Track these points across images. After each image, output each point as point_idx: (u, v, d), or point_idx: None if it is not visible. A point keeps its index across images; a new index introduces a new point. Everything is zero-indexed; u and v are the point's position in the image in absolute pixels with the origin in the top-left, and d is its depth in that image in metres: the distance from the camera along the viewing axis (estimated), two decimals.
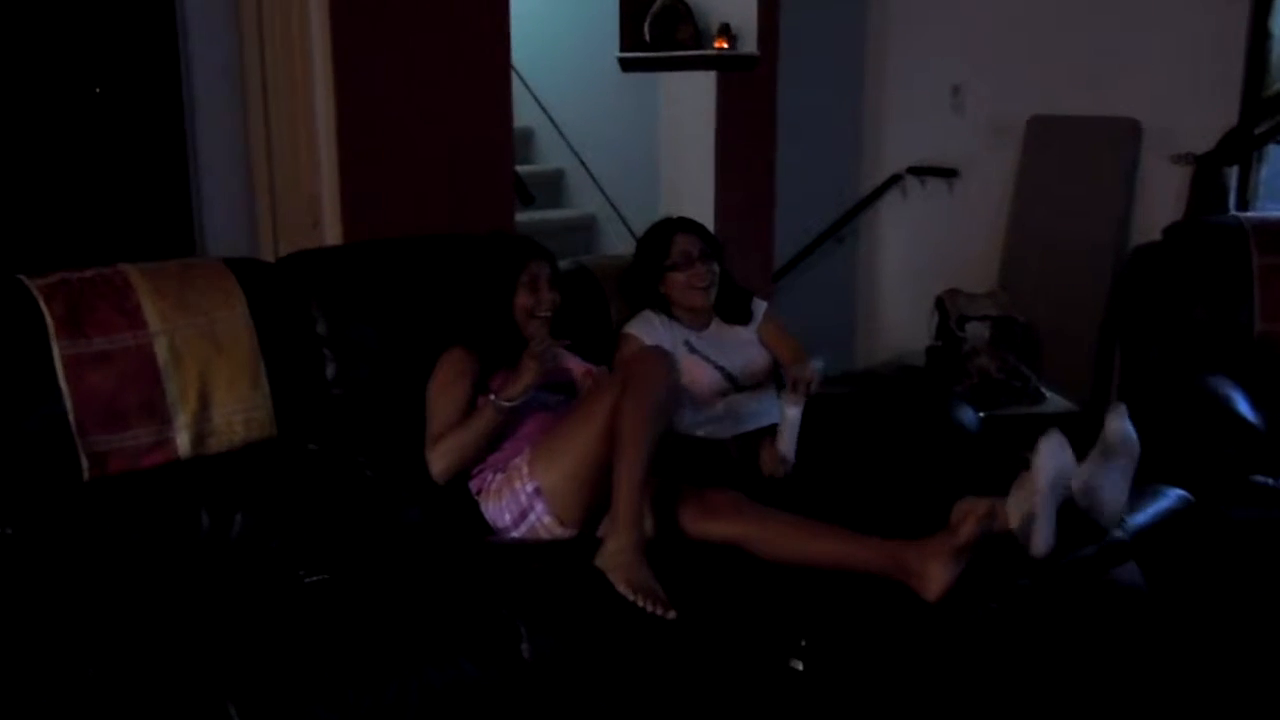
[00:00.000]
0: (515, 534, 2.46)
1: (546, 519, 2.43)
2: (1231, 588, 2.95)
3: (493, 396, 2.51)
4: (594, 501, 2.41)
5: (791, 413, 2.63)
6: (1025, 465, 2.68)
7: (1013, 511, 2.27)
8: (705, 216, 4.09)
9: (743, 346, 2.89)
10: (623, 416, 2.32)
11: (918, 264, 5.41)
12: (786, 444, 2.65)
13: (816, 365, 2.65)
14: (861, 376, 2.80)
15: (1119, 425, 2.36)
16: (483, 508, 2.51)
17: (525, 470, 2.44)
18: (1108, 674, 2.64)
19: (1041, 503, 2.20)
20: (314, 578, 2.20)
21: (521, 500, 2.43)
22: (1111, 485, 2.33)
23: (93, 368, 2.27)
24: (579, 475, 2.40)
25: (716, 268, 2.87)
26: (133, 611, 2.06)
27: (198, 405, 2.38)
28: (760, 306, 3.01)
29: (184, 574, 2.23)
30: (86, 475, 2.27)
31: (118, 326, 2.32)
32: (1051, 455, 2.23)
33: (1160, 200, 4.60)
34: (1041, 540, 2.20)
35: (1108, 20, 4.68)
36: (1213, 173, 4.38)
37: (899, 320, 5.53)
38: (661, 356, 2.45)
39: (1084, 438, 2.44)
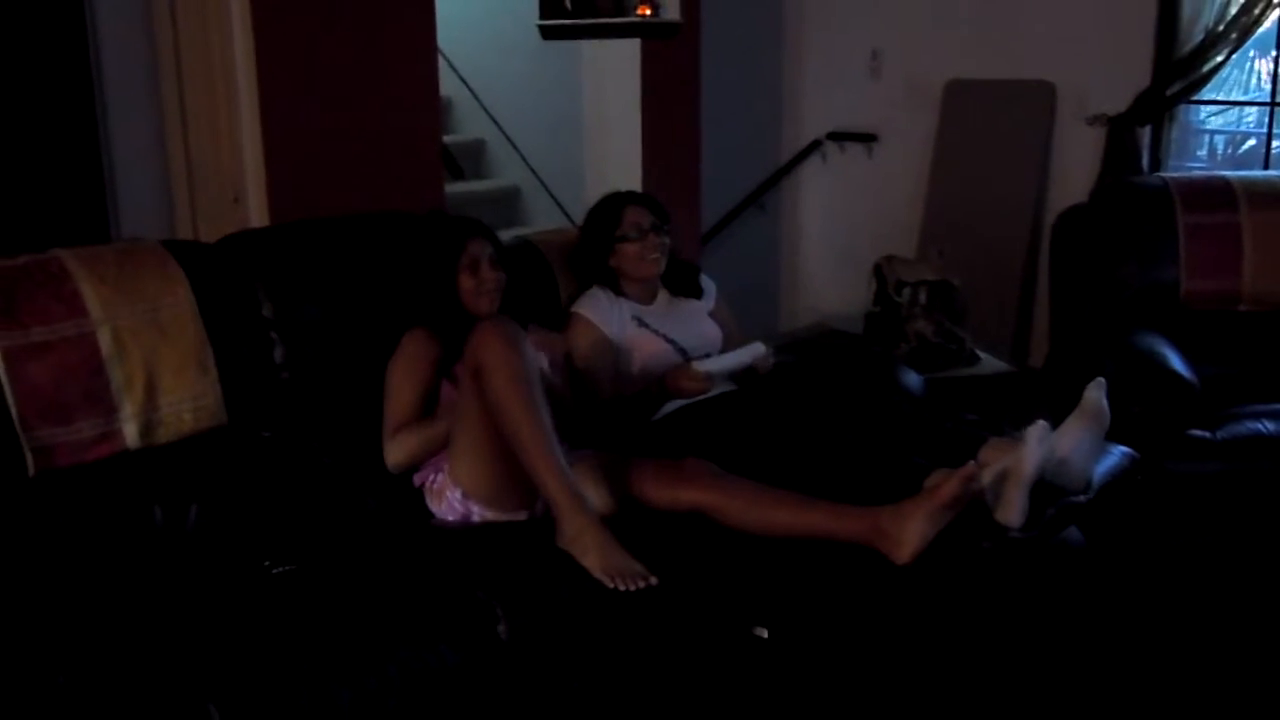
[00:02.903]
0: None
1: (489, 514, 2.38)
2: (1170, 540, 3.04)
3: None
4: (526, 479, 2.31)
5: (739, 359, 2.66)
6: (974, 429, 2.74)
7: (985, 473, 2.32)
8: (632, 184, 4.07)
9: (695, 320, 2.88)
10: (491, 402, 2.24)
11: (839, 229, 5.46)
12: (717, 363, 2.65)
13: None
14: (795, 345, 2.81)
15: (1096, 397, 2.42)
16: (428, 504, 2.45)
17: (447, 479, 2.40)
18: (1052, 629, 2.71)
19: (1023, 485, 2.26)
20: (281, 569, 2.13)
21: (457, 506, 2.39)
22: (1082, 454, 2.38)
23: (33, 359, 2.17)
24: (495, 465, 2.33)
25: (667, 239, 2.85)
26: (95, 612, 1.98)
27: (144, 394, 2.29)
28: (711, 285, 3.02)
29: (141, 570, 2.15)
30: (32, 470, 2.17)
31: (57, 315, 2.22)
32: (1039, 444, 2.28)
33: (1075, 161, 4.71)
34: (1017, 514, 2.26)
35: None
36: (1126, 133, 4.50)
37: (821, 285, 5.58)
38: (500, 328, 2.29)
39: (1019, 398, 2.47)
